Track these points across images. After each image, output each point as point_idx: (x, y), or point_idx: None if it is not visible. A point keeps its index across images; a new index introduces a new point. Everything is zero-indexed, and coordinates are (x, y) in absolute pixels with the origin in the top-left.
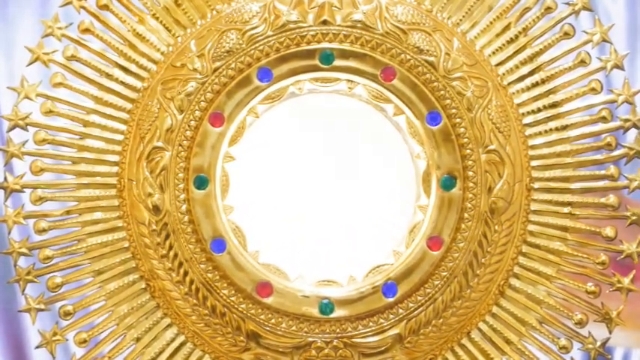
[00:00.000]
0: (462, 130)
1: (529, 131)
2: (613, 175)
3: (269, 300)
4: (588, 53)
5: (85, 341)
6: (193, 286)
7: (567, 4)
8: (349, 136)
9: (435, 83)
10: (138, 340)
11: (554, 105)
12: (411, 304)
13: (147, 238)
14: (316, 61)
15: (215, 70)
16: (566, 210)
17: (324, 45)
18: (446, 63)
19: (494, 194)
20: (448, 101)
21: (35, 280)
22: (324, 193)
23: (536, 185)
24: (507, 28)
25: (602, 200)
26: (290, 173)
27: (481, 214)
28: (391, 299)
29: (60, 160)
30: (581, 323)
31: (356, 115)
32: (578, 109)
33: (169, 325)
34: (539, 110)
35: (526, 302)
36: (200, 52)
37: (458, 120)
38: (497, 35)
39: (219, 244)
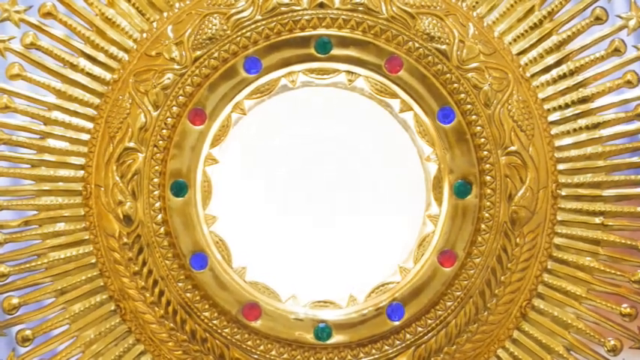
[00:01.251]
0: (479, 128)
1: (555, 130)
2: None
3: (257, 323)
4: (623, 41)
5: None
6: (170, 308)
7: None
8: (349, 136)
9: (448, 75)
10: None
11: (584, 100)
12: (419, 329)
13: (117, 253)
14: (311, 50)
15: (195, 59)
16: (597, 220)
17: (321, 31)
18: (460, 52)
19: (515, 202)
20: (463, 96)
21: None
22: (321, 201)
23: (564, 192)
24: (531, 11)
25: (639, 209)
26: (281, 178)
27: (500, 225)
28: (397, 323)
29: (17, 163)
30: (614, 350)
31: (357, 112)
32: (611, 104)
33: (142, 353)
34: (566, 106)
35: (552, 326)
36: (178, 39)
37: (474, 117)
38: (519, 20)
39: (200, 259)
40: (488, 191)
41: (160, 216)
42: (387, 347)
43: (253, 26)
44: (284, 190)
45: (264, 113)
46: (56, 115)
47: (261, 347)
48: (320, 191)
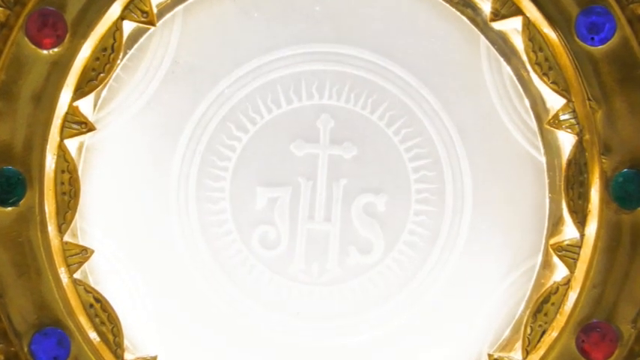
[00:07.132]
0: None
1: None
2: None
3: None
4: None
5: None
6: None
7: None
8: (390, 77)
9: None
10: None
11: None
12: None
13: None
14: None
15: None
16: None
17: None
18: None
19: None
20: None
21: None
22: (325, 218)
23: None
24: None
25: None
26: (242, 168)
27: None
28: None
29: None
30: None
31: (403, 28)
32: None
33: None
34: None
35: None
36: None
37: None
38: None
39: (53, 341)
40: None
41: None
42: None
43: None
44: (245, 193)
45: (205, 23)
46: None
47: None
48: (323, 198)
